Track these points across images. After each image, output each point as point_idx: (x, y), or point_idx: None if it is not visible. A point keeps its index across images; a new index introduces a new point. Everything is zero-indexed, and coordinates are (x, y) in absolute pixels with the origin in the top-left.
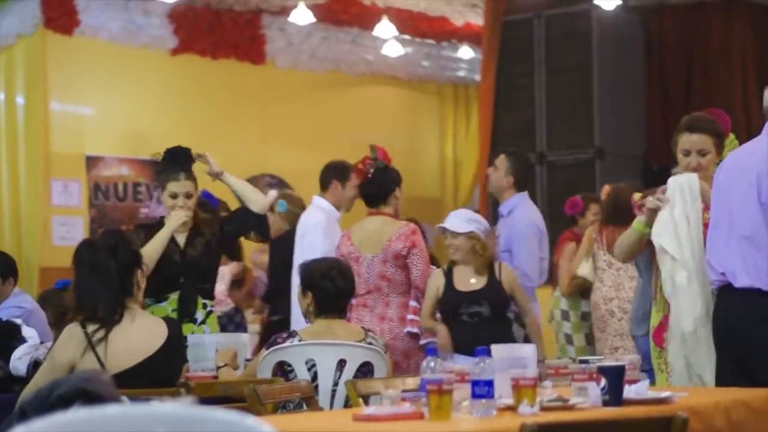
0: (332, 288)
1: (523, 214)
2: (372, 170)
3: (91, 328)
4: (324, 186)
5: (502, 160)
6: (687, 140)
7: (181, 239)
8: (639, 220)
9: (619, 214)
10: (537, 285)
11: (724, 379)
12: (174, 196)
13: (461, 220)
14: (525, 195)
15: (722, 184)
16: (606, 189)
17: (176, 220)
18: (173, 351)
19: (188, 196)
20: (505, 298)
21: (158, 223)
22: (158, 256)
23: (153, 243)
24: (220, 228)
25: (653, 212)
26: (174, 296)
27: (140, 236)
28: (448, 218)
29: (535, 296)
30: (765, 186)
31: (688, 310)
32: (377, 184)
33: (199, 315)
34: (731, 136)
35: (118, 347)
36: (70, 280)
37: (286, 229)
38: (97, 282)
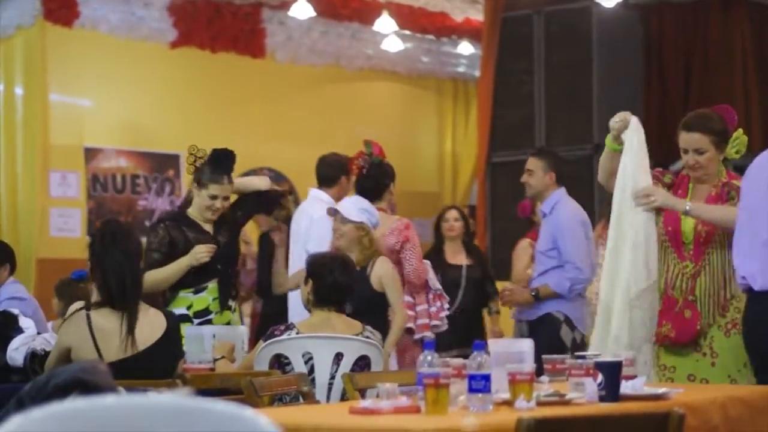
0: (330, 279)
1: (566, 208)
2: (367, 165)
3: (96, 313)
4: (331, 182)
5: (534, 163)
6: (684, 138)
7: (209, 227)
8: (608, 137)
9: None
10: (591, 279)
11: (762, 378)
12: (214, 197)
13: (355, 208)
14: (563, 190)
15: (746, 189)
16: None
17: (200, 259)
18: (170, 344)
19: (225, 198)
20: (370, 295)
21: (183, 216)
22: (175, 281)
23: (172, 269)
24: (233, 214)
25: (617, 132)
26: (212, 285)
27: (171, 228)
28: (342, 202)
29: (584, 297)
30: None
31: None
32: (374, 179)
33: (233, 302)
34: (739, 131)
35: (118, 336)
36: (86, 271)
37: (272, 224)
38: (128, 265)
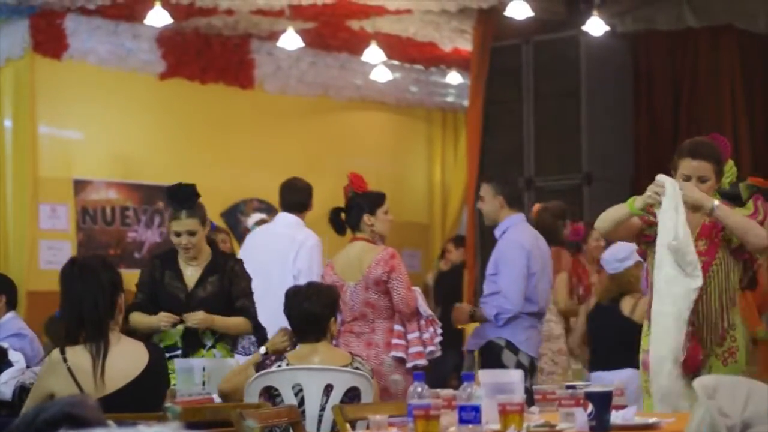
0: (299, 311)
1: (511, 235)
2: (347, 199)
3: (71, 353)
4: (303, 208)
5: (485, 189)
6: (688, 166)
7: (193, 276)
8: (634, 198)
9: (542, 234)
10: (517, 311)
11: None
12: (177, 234)
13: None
14: (520, 216)
15: None
16: (535, 208)
17: (162, 325)
18: (154, 377)
19: (191, 233)
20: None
21: (172, 257)
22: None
23: (146, 322)
24: (233, 269)
25: (650, 202)
26: (180, 327)
27: (157, 266)
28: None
29: (531, 320)
30: None
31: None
32: (348, 212)
33: (209, 341)
34: (730, 162)
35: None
36: None
37: None
38: (88, 299)
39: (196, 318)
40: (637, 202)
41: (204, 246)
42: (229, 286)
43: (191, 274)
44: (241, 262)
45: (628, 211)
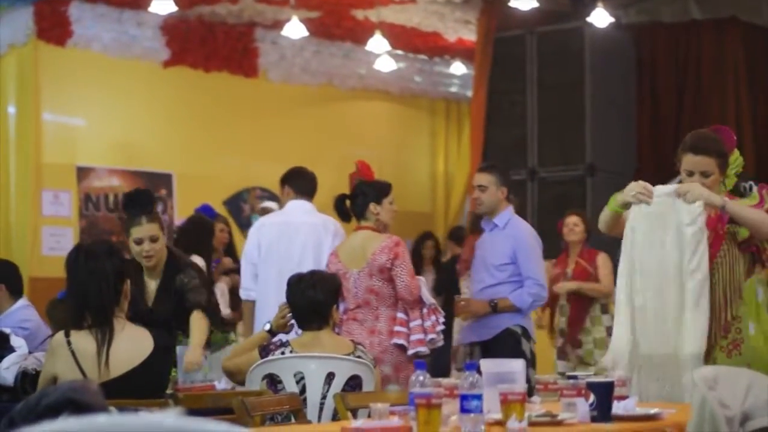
0: (301, 298)
1: (523, 224)
2: (353, 187)
3: (76, 336)
4: (314, 194)
5: (487, 178)
6: (690, 161)
7: (152, 292)
8: (614, 198)
9: (477, 225)
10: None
11: None
12: (139, 242)
13: None
14: (512, 207)
15: None
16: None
17: None
18: (157, 364)
19: (153, 239)
20: None
21: (135, 263)
22: None
23: None
24: (182, 282)
25: (629, 201)
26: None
27: None
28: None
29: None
30: None
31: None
32: (353, 200)
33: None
34: (736, 152)
35: (95, 358)
36: None
37: None
38: (93, 286)
39: (192, 365)
40: (617, 198)
41: (163, 256)
42: (181, 300)
43: (152, 288)
44: (193, 269)
45: (610, 210)
